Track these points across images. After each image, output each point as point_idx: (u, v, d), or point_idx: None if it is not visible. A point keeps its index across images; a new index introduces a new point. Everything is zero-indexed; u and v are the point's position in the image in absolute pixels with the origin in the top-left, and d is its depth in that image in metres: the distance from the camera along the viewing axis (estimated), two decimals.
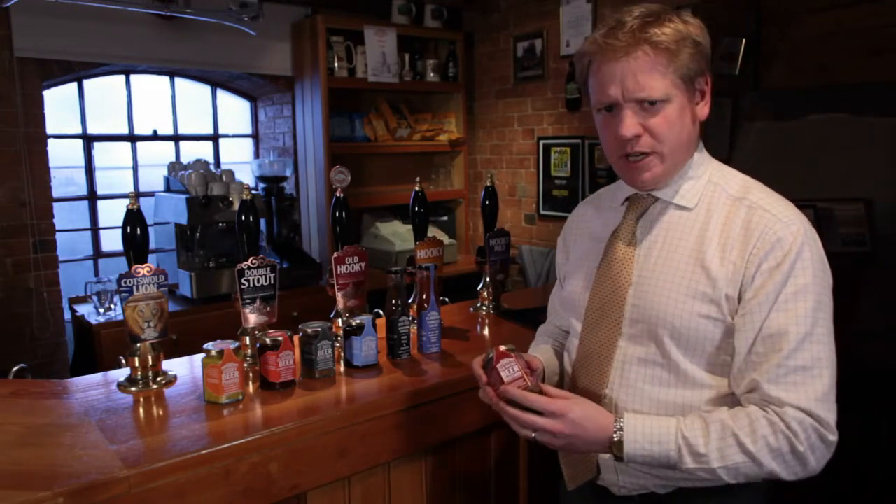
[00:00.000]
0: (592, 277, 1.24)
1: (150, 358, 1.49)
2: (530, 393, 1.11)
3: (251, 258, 1.56)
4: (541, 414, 1.09)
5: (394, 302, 1.69)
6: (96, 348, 2.89)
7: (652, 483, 1.16)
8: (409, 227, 2.04)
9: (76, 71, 3.36)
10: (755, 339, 1.06)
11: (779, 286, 1.05)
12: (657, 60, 1.08)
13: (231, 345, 1.43)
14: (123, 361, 1.54)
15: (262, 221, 3.43)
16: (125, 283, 1.44)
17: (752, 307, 1.06)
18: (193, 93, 4.05)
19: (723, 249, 1.09)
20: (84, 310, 3.08)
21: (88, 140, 3.63)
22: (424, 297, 1.74)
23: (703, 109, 1.16)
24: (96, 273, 3.68)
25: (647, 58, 1.08)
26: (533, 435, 1.11)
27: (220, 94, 4.15)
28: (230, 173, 3.43)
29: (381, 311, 1.80)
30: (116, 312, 2.97)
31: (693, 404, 1.12)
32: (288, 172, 3.82)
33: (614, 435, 1.08)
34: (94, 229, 3.69)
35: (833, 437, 1.04)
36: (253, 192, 1.73)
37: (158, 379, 1.51)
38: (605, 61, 1.11)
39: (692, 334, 1.10)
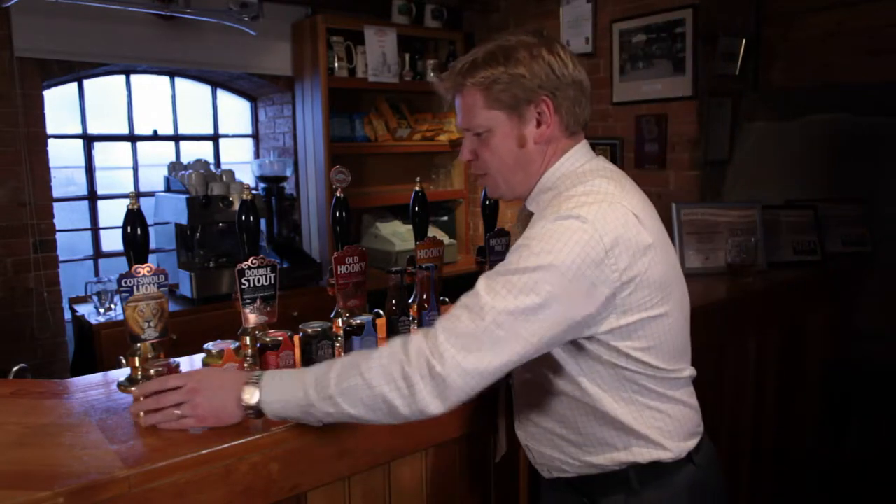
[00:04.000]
0: None
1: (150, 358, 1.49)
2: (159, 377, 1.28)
3: (251, 258, 1.56)
4: None
5: (394, 302, 1.69)
6: (96, 348, 2.89)
7: (552, 452, 1.29)
8: (409, 227, 2.04)
9: (76, 71, 3.36)
10: None
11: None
12: (474, 99, 1.22)
13: (231, 345, 1.43)
14: (123, 361, 1.54)
15: (263, 221, 3.43)
16: (125, 282, 1.44)
17: None
18: (193, 93, 4.05)
19: None
20: (84, 310, 3.07)
21: (88, 140, 3.64)
22: (424, 297, 1.74)
23: (545, 131, 1.21)
24: (96, 273, 3.68)
25: (466, 98, 1.24)
26: (178, 412, 1.20)
27: (220, 94, 4.15)
28: (230, 173, 3.44)
29: (381, 311, 1.80)
30: (116, 312, 2.98)
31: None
32: (288, 172, 3.82)
33: (250, 380, 1.18)
34: (95, 229, 3.70)
35: (440, 369, 1.03)
36: (253, 192, 1.73)
37: None
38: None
39: None
